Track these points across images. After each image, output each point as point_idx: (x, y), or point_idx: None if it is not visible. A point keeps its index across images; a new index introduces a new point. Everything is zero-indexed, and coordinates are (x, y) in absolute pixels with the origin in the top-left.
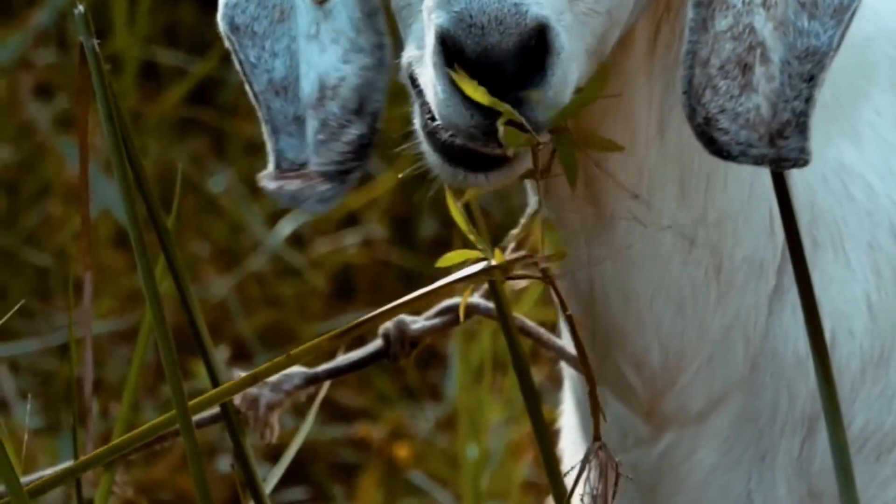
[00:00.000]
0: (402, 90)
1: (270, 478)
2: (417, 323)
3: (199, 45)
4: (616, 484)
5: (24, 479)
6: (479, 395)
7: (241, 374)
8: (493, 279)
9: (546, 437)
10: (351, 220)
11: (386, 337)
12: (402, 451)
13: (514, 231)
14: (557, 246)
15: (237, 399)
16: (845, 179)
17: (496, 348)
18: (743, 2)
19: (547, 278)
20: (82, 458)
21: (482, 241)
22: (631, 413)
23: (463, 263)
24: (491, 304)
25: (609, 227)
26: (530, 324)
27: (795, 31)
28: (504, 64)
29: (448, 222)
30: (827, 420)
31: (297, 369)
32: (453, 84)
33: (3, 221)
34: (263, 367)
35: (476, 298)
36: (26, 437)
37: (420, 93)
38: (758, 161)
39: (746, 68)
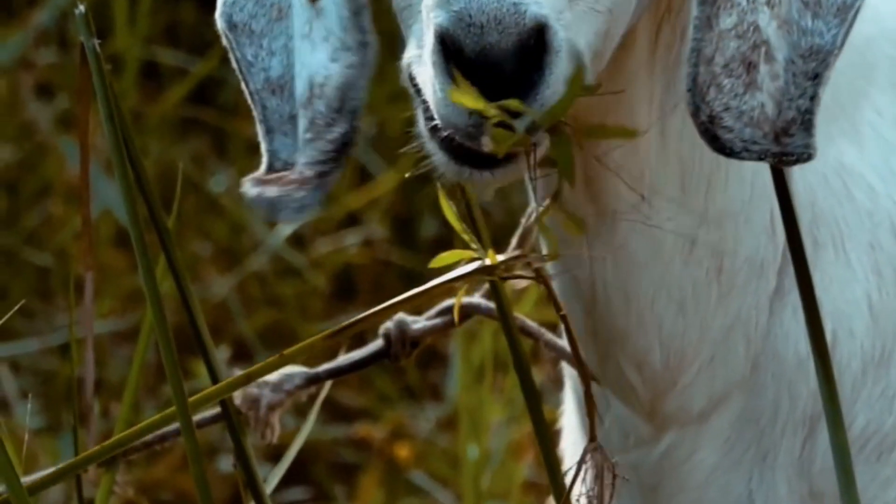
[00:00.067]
0: (404, 91)
1: (272, 478)
2: (418, 323)
3: (200, 44)
4: (613, 485)
5: (24, 479)
6: (479, 395)
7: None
8: (487, 279)
9: (547, 437)
10: (352, 220)
11: (387, 337)
12: (402, 451)
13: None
14: (554, 246)
15: (238, 399)
16: (846, 179)
17: (497, 348)
18: (748, 0)
19: (540, 278)
20: (83, 454)
21: (476, 240)
22: (632, 413)
23: (457, 263)
24: (492, 304)
25: (610, 226)
26: (531, 324)
27: (799, 30)
28: (503, 63)
29: (449, 222)
30: (828, 420)
31: (297, 369)
32: (451, 83)
33: (3, 221)
34: (258, 367)
35: (477, 298)
36: (27, 437)
37: (419, 92)
38: (761, 157)
39: (751, 66)
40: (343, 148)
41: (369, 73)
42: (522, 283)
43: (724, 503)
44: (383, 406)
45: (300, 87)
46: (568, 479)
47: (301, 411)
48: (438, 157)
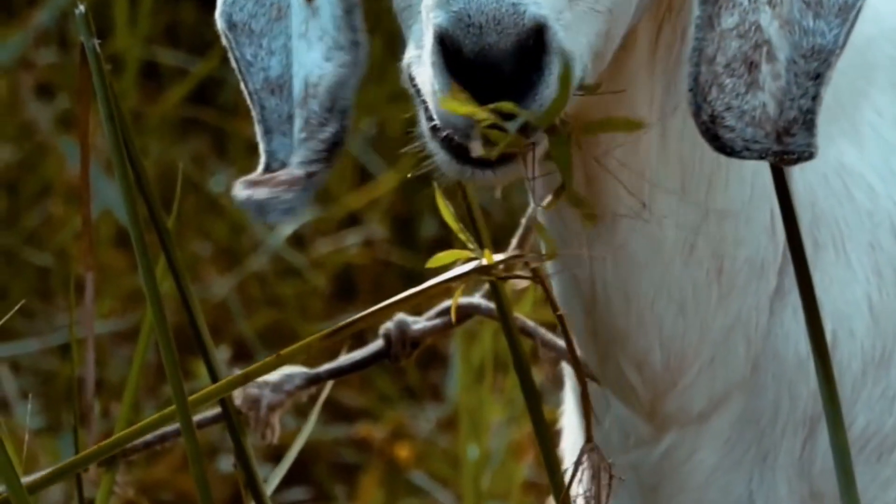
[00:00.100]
0: (404, 91)
1: (273, 478)
2: (418, 323)
3: (200, 44)
4: (609, 485)
5: (24, 480)
6: (480, 395)
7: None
8: (484, 279)
9: (547, 437)
10: (352, 220)
11: (387, 337)
12: (403, 452)
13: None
14: (551, 246)
15: (238, 400)
16: (846, 180)
17: (497, 348)
18: (749, 0)
19: (537, 278)
20: (82, 452)
21: (472, 240)
22: (632, 413)
23: (454, 263)
24: (492, 305)
25: (610, 226)
26: (531, 324)
27: (801, 30)
28: (502, 64)
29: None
30: (828, 421)
31: (298, 369)
32: (450, 83)
33: (3, 221)
34: (256, 367)
35: (477, 299)
36: (27, 437)
37: (419, 92)
38: (762, 155)
39: (752, 66)
40: (333, 148)
41: (360, 73)
42: (523, 284)
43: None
44: (384, 406)
45: (297, 87)
46: (567, 480)
47: (301, 412)
48: (440, 157)
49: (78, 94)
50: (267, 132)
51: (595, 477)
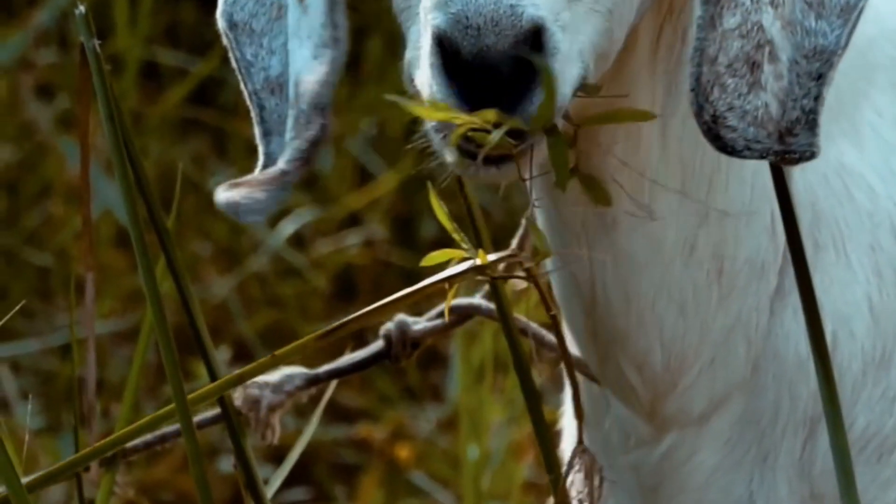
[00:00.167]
0: (404, 91)
1: (274, 479)
2: (419, 324)
3: (200, 45)
4: (600, 487)
5: (24, 480)
6: (480, 395)
7: None
8: (478, 278)
9: (547, 437)
10: (352, 220)
11: (387, 338)
12: (403, 452)
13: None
14: (545, 246)
15: (238, 400)
16: (846, 180)
17: (497, 349)
18: (751, 0)
19: (531, 277)
20: (82, 451)
21: (466, 240)
22: (632, 414)
23: (447, 263)
24: (492, 305)
25: (610, 227)
26: (533, 325)
27: (803, 31)
28: (500, 65)
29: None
30: (828, 422)
31: (298, 370)
32: (448, 85)
33: (3, 221)
34: (252, 366)
35: (477, 299)
36: (27, 437)
37: (420, 92)
38: (763, 155)
39: (755, 66)
40: (314, 147)
41: (339, 70)
42: (523, 285)
43: None
44: (384, 407)
45: (290, 86)
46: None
47: (301, 412)
48: (445, 154)
49: (78, 94)
50: (266, 134)
51: (588, 479)
